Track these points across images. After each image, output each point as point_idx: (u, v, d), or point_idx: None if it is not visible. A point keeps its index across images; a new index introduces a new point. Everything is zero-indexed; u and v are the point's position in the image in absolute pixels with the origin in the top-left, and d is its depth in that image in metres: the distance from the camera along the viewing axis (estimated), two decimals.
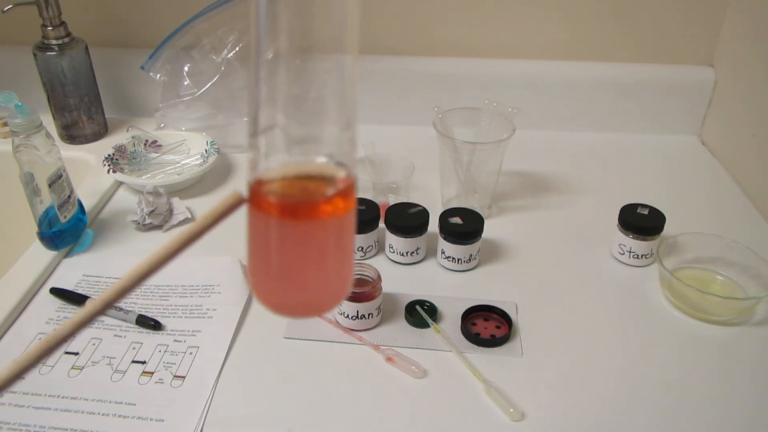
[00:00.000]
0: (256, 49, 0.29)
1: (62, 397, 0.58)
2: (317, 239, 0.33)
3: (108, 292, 0.30)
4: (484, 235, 0.74)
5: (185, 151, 0.95)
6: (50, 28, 0.92)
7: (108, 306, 0.31)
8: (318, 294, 0.35)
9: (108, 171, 0.87)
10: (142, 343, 0.64)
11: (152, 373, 0.61)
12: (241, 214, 0.32)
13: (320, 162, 0.32)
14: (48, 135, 0.71)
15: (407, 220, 0.74)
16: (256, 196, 0.31)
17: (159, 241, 0.80)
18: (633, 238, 0.74)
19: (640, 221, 0.74)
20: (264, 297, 0.34)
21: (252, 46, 0.29)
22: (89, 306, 0.30)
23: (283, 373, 0.61)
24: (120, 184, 0.91)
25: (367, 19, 1.02)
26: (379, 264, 0.75)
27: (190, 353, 0.63)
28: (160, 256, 0.31)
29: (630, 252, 0.75)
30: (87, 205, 0.82)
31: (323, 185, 0.32)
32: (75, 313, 0.29)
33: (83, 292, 0.70)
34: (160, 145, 0.95)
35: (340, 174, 0.32)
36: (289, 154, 0.32)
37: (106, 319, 0.67)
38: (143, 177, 0.89)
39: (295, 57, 0.30)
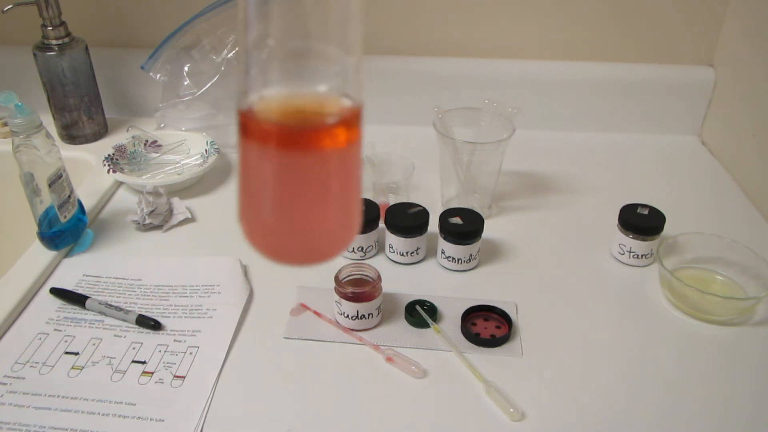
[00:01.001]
0: None
1: (62, 397, 0.58)
2: (318, 174, 0.29)
3: None
4: (484, 235, 0.74)
5: (185, 151, 0.95)
6: (50, 28, 0.92)
7: None
8: (320, 238, 0.31)
9: (108, 171, 0.87)
10: (142, 343, 0.64)
11: (152, 373, 0.61)
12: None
13: (321, 90, 0.29)
14: (48, 135, 0.71)
15: (407, 220, 0.74)
16: (248, 124, 0.28)
17: (159, 241, 0.80)
18: (633, 238, 0.74)
19: (640, 221, 0.74)
20: (258, 241, 0.30)
21: None
22: None
23: (283, 373, 0.61)
24: (120, 184, 0.91)
25: (367, 19, 1.02)
26: (379, 264, 0.75)
27: (190, 353, 0.63)
28: None
29: (630, 252, 0.75)
30: (87, 205, 0.82)
31: (325, 113, 0.29)
32: None
33: (83, 292, 0.70)
34: (160, 145, 0.95)
35: (344, 103, 0.29)
36: (286, 79, 0.28)
37: (106, 319, 0.67)
38: (143, 177, 0.90)
39: None
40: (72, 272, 0.74)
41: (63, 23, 0.92)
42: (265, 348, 0.64)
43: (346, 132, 0.29)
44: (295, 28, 0.27)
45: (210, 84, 0.96)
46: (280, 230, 0.30)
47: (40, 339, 0.65)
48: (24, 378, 0.60)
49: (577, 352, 0.64)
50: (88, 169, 0.94)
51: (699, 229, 0.75)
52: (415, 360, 0.62)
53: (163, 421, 0.56)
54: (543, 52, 1.04)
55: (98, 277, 0.73)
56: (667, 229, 0.75)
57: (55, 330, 0.66)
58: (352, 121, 0.29)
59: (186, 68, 0.97)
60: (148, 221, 0.80)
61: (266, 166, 0.28)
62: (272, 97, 0.28)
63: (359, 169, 0.31)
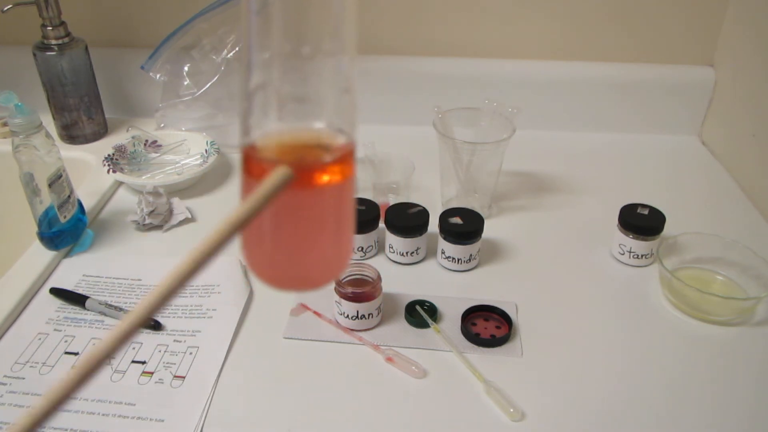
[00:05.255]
0: (247, 2, 0.28)
1: None
2: (314, 209, 0.31)
3: (150, 298, 0.26)
4: (484, 235, 0.74)
5: (185, 151, 0.95)
6: (50, 28, 0.92)
7: (150, 314, 0.26)
8: (314, 267, 0.33)
9: (108, 171, 0.87)
10: (142, 343, 0.64)
11: (152, 373, 0.61)
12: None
13: (318, 128, 0.31)
14: (48, 135, 0.71)
15: (407, 220, 0.74)
16: (250, 162, 0.30)
17: (159, 241, 0.80)
18: (633, 238, 0.74)
19: (640, 221, 0.74)
20: (258, 270, 0.33)
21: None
22: (128, 318, 0.26)
23: (283, 373, 0.61)
24: (120, 184, 0.91)
25: (367, 19, 1.02)
26: (379, 264, 0.75)
27: (190, 353, 0.63)
28: (203, 251, 0.26)
29: (630, 252, 0.75)
30: (87, 205, 0.82)
31: (321, 151, 0.31)
32: (113, 329, 0.25)
33: (83, 292, 0.70)
34: (160, 145, 0.95)
35: (339, 140, 0.31)
36: (284, 118, 0.30)
37: (105, 320, 0.67)
38: (143, 177, 0.89)
39: (289, 11, 0.28)
40: (72, 272, 0.74)
41: (63, 23, 0.92)
42: (265, 348, 0.64)
43: (341, 169, 0.31)
44: (296, 73, 0.30)
45: (210, 84, 0.96)
46: (279, 261, 0.32)
47: (40, 339, 0.65)
48: (24, 378, 0.60)
49: (577, 352, 0.64)
50: (88, 169, 0.94)
51: (699, 229, 0.75)
52: (415, 360, 0.62)
53: (163, 421, 0.56)
54: (543, 52, 1.04)
55: (98, 277, 0.73)
56: (667, 229, 0.75)
57: (55, 330, 0.66)
58: (346, 158, 0.31)
59: (186, 68, 0.97)
60: (148, 221, 0.80)
61: None
62: (271, 135, 0.30)
63: (352, 203, 0.33)
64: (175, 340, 0.65)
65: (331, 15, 0.29)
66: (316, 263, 0.33)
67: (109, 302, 0.69)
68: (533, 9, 1.00)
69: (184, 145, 0.96)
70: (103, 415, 0.57)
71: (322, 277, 0.35)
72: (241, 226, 0.27)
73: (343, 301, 0.64)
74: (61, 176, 0.73)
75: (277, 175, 0.28)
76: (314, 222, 0.32)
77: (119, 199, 0.88)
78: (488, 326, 0.66)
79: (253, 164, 0.30)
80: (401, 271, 0.75)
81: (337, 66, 0.30)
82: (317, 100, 0.31)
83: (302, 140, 0.31)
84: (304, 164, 0.30)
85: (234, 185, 0.92)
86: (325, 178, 0.30)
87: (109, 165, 0.88)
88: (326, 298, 0.68)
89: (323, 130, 0.31)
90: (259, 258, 0.33)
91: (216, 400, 0.58)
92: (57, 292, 0.70)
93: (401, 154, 0.87)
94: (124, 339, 0.25)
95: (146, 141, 0.95)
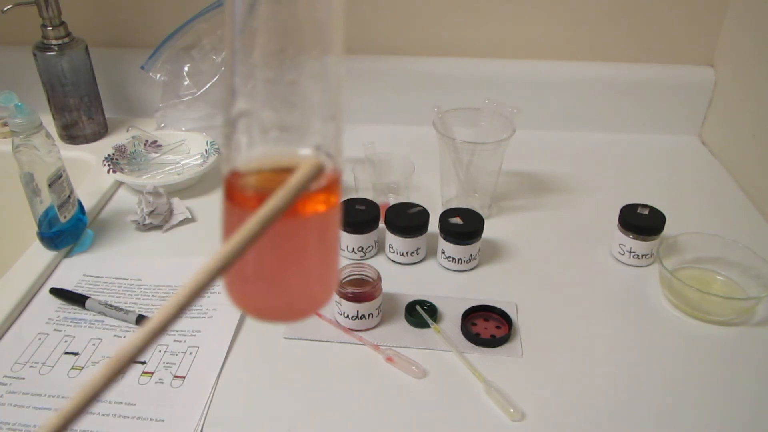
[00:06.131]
0: (230, 26, 0.27)
1: (62, 397, 0.58)
2: (298, 238, 0.30)
3: (179, 296, 0.25)
4: (484, 235, 0.74)
5: (185, 151, 0.95)
6: (50, 28, 0.92)
7: (179, 314, 0.26)
8: (297, 298, 0.32)
9: (108, 171, 0.87)
10: None
11: (152, 373, 0.61)
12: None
13: (303, 154, 0.30)
14: (48, 135, 0.71)
15: (407, 220, 0.74)
16: (232, 189, 0.29)
17: (159, 241, 0.80)
18: (633, 238, 0.74)
19: (640, 221, 0.74)
20: (239, 300, 0.31)
21: (226, 21, 0.27)
22: (158, 315, 0.25)
23: (283, 373, 0.61)
24: (120, 184, 0.91)
25: (367, 19, 1.02)
26: (379, 264, 0.75)
27: (190, 353, 0.63)
28: (235, 246, 0.25)
29: (630, 252, 0.75)
30: (87, 205, 0.82)
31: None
32: (141, 329, 0.25)
33: (83, 292, 0.70)
34: (160, 145, 0.95)
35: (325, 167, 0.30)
36: (268, 143, 0.29)
37: (106, 320, 0.67)
38: (143, 177, 0.89)
39: (273, 42, 0.27)
40: (72, 272, 0.74)
41: (63, 23, 0.92)
42: (265, 348, 0.64)
43: (325, 198, 0.30)
44: (279, 101, 0.29)
45: (210, 84, 0.96)
46: (259, 291, 0.31)
47: (40, 339, 0.65)
48: (24, 378, 0.60)
49: (577, 352, 0.64)
50: (88, 169, 0.94)
51: (699, 229, 0.75)
52: (415, 360, 0.62)
53: (163, 421, 0.56)
54: (543, 52, 1.04)
55: (98, 277, 0.73)
56: (667, 229, 0.75)
57: (55, 330, 0.66)
58: (331, 186, 0.30)
59: (186, 68, 0.97)
60: (148, 221, 0.80)
61: None
62: (255, 161, 0.29)
63: (337, 232, 0.32)
64: (175, 340, 0.65)
65: (317, 40, 0.28)
66: (299, 294, 0.32)
67: (109, 302, 0.69)
68: (533, 9, 1.00)
69: (184, 145, 0.96)
70: (103, 415, 0.57)
71: (306, 309, 0.33)
72: (272, 221, 0.26)
73: (343, 301, 0.64)
74: (61, 176, 0.73)
75: (307, 169, 0.27)
76: (297, 252, 0.30)
77: (119, 199, 0.88)
78: (488, 326, 0.66)
79: (236, 191, 0.29)
80: (401, 271, 0.75)
81: (324, 92, 0.29)
82: (302, 128, 0.30)
83: (287, 166, 0.29)
84: None
85: None
86: (310, 207, 0.29)
87: (109, 165, 0.88)
88: None
89: (309, 156, 0.30)
90: (239, 288, 0.31)
91: (216, 400, 0.58)
92: (57, 292, 0.70)
93: (401, 154, 0.87)
94: (151, 340, 0.25)
95: (146, 141, 0.95)
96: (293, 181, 0.27)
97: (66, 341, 0.65)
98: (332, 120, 0.29)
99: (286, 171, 0.29)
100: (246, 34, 0.27)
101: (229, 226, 0.30)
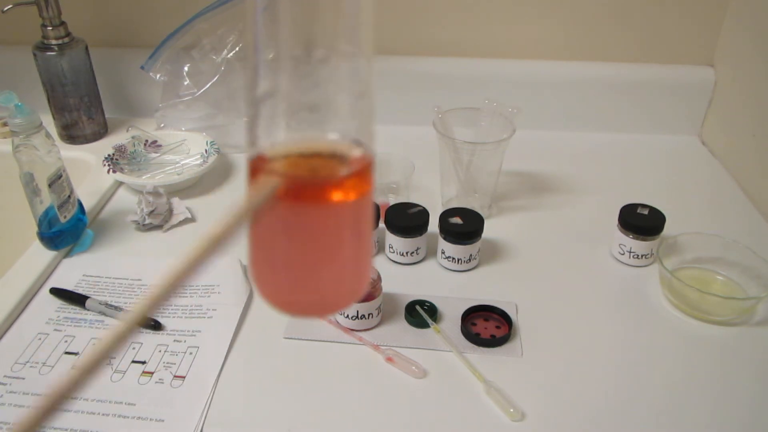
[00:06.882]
0: (252, 2, 0.25)
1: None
2: (329, 227, 0.28)
3: (146, 299, 0.25)
4: (484, 235, 0.74)
5: (185, 151, 0.95)
6: (50, 28, 0.92)
7: (147, 314, 0.26)
8: (330, 291, 0.30)
9: (108, 171, 0.87)
10: (142, 343, 0.64)
11: (152, 373, 0.61)
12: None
13: (332, 138, 0.28)
14: (48, 135, 0.71)
15: (407, 220, 0.74)
16: (258, 175, 0.27)
17: (159, 241, 0.80)
18: (633, 238, 0.74)
19: (640, 221, 0.74)
20: (269, 295, 0.30)
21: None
22: (122, 321, 0.25)
23: (283, 373, 0.61)
24: (120, 184, 0.91)
25: None
26: (379, 264, 0.75)
27: (190, 353, 0.63)
28: (183, 268, 0.25)
29: (630, 252, 0.75)
30: (87, 205, 0.82)
31: (336, 164, 0.28)
32: (111, 329, 0.24)
33: (83, 292, 0.70)
34: (160, 145, 0.95)
35: (356, 152, 0.28)
36: (295, 127, 0.27)
37: (106, 320, 0.67)
38: (143, 177, 0.89)
39: (298, 8, 0.26)
40: (72, 272, 0.74)
41: (63, 23, 0.92)
42: (265, 348, 0.64)
43: (357, 184, 0.28)
44: (306, 78, 0.27)
45: (210, 84, 0.96)
46: (291, 284, 0.30)
47: (40, 339, 0.65)
48: (24, 378, 0.60)
49: (577, 352, 0.64)
50: (88, 169, 0.94)
51: (699, 229, 0.75)
52: (415, 360, 0.62)
53: (163, 421, 0.56)
54: (543, 52, 1.04)
55: (98, 277, 0.73)
56: (667, 229, 0.75)
57: (55, 330, 0.66)
58: (363, 172, 0.28)
59: (186, 68, 0.97)
60: (148, 221, 0.80)
61: (275, 219, 0.27)
62: (281, 146, 0.28)
63: (370, 221, 0.30)
64: (175, 340, 0.65)
65: (345, 12, 0.26)
66: (331, 287, 0.30)
67: (109, 302, 0.69)
68: (533, 9, 1.00)
69: (184, 145, 0.96)
70: (103, 415, 0.57)
71: (338, 303, 0.32)
72: (221, 241, 0.25)
73: None
74: (61, 176, 0.73)
75: (265, 185, 0.26)
76: (329, 242, 0.29)
77: (119, 199, 0.88)
78: (488, 326, 0.66)
79: (261, 176, 0.27)
80: (401, 271, 0.75)
81: (352, 68, 0.27)
82: (331, 107, 0.28)
83: (315, 151, 0.28)
84: (317, 178, 0.27)
85: (234, 185, 0.92)
86: (340, 193, 0.28)
87: (109, 165, 0.88)
88: None
89: (338, 141, 0.28)
90: (269, 282, 0.30)
91: (216, 400, 0.58)
92: (57, 292, 0.70)
93: (401, 154, 0.87)
94: (122, 339, 0.25)
95: (146, 141, 0.95)
96: (248, 200, 0.25)
97: (66, 341, 0.65)
98: (362, 98, 0.27)
99: (314, 156, 0.27)
100: (270, 10, 0.26)
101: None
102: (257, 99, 0.27)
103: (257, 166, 0.27)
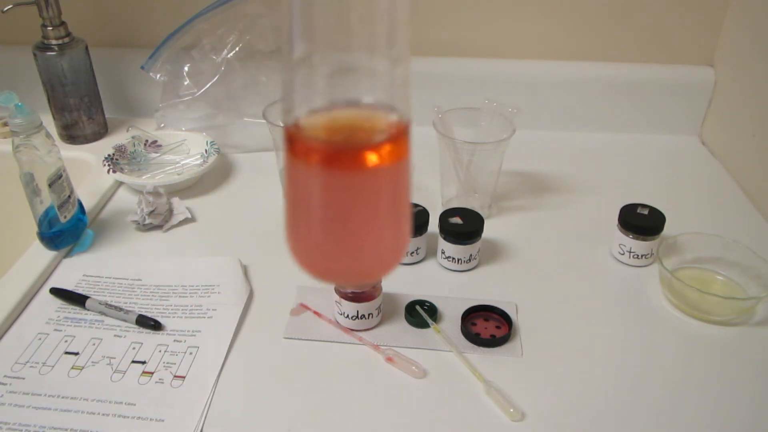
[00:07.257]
0: None
1: (62, 397, 0.58)
2: (366, 192, 0.28)
3: None
4: (484, 235, 0.74)
5: (185, 151, 0.95)
6: (50, 28, 0.92)
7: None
8: (367, 258, 0.30)
9: (108, 171, 0.87)
10: (142, 343, 0.64)
11: (152, 373, 0.61)
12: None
13: (368, 105, 0.28)
14: (48, 135, 0.71)
15: None
16: (294, 141, 0.27)
17: (159, 241, 0.80)
18: (633, 238, 0.74)
19: (640, 221, 0.74)
20: (304, 260, 0.29)
21: None
22: None
23: (283, 373, 0.61)
24: (120, 184, 0.91)
25: None
26: None
27: (190, 353, 0.63)
28: None
29: (630, 252, 0.75)
30: (87, 205, 0.82)
31: (372, 130, 0.28)
32: None
33: (83, 292, 0.70)
34: (160, 145, 0.95)
35: (391, 118, 0.28)
36: (331, 93, 0.27)
37: (106, 320, 0.67)
38: (143, 177, 0.89)
39: None
40: (72, 272, 0.74)
41: (63, 23, 0.92)
42: (265, 348, 0.64)
43: (394, 149, 0.28)
44: (341, 42, 0.27)
45: (210, 84, 0.96)
46: (327, 250, 0.29)
47: (40, 339, 0.65)
48: (24, 378, 0.60)
49: (577, 352, 0.64)
50: (88, 169, 0.94)
51: (699, 229, 0.75)
52: (415, 360, 0.62)
53: (163, 421, 0.56)
54: (543, 52, 1.04)
55: (98, 277, 0.73)
56: (667, 229, 0.75)
57: (55, 330, 0.66)
58: (399, 137, 0.28)
59: (186, 68, 0.97)
60: (148, 221, 0.80)
61: (313, 185, 0.28)
62: (318, 113, 0.28)
63: (408, 187, 0.30)
64: (175, 340, 0.65)
65: None
66: (369, 254, 0.30)
67: (109, 302, 0.69)
68: (533, 9, 1.00)
69: (184, 145, 0.96)
70: (103, 415, 0.57)
71: (376, 270, 0.31)
72: None
73: (343, 301, 0.64)
74: (61, 176, 0.73)
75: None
76: (366, 208, 0.29)
77: (119, 199, 0.88)
78: (488, 326, 0.66)
79: (298, 144, 0.27)
80: (401, 271, 0.75)
81: (388, 32, 0.27)
82: (366, 72, 0.27)
83: (351, 119, 0.28)
84: (353, 144, 0.28)
85: (234, 185, 0.92)
86: (377, 158, 0.28)
87: (109, 165, 0.88)
88: (326, 298, 0.68)
89: (373, 107, 0.28)
90: (305, 248, 0.30)
91: (216, 400, 0.58)
92: (57, 292, 0.70)
93: None
94: None
95: (146, 141, 0.95)
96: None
97: (66, 341, 0.65)
98: (398, 63, 0.27)
99: (350, 122, 0.27)
100: None
101: (292, 181, 0.29)
102: (294, 63, 0.26)
103: (293, 134, 0.27)
